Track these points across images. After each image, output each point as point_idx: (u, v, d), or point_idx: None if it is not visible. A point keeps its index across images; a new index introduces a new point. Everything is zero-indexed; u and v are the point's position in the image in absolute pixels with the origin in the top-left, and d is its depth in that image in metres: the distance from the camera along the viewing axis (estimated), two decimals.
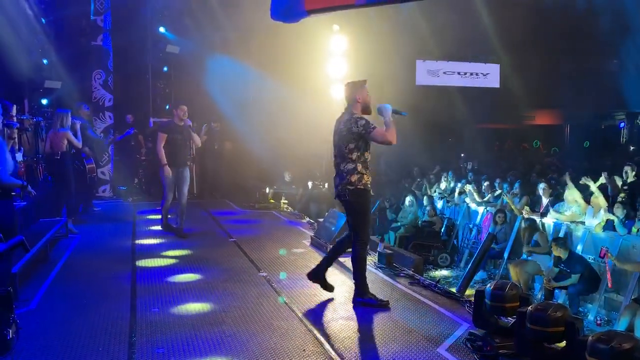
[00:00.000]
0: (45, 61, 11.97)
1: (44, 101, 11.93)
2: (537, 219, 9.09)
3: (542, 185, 9.92)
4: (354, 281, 5.42)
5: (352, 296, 5.72)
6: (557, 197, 9.64)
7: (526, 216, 9.23)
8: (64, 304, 5.32)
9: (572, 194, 8.83)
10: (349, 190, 5.16)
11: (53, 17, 12.13)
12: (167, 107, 14.61)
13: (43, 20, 11.61)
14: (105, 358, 4.15)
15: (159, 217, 8.83)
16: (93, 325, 4.77)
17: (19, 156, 8.30)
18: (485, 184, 11.48)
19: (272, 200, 11.86)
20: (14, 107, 8.83)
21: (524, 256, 8.71)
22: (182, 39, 13.78)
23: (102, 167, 12.29)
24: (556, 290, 7.79)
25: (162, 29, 13.76)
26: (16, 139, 8.39)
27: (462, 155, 17.94)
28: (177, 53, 13.59)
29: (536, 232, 8.67)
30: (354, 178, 5.14)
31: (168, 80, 14.63)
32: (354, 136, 5.09)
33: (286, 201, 11.58)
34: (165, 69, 14.48)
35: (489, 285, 4.46)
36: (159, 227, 8.85)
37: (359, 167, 5.15)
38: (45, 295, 5.56)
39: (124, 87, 13.03)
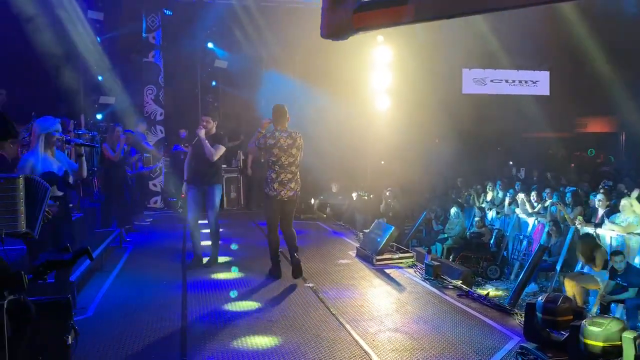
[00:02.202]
0: (100, 78, 12.48)
1: (99, 116, 12.41)
2: (591, 230, 8.79)
3: (599, 197, 9.57)
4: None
5: (398, 308, 5.72)
6: (613, 208, 9.28)
7: (579, 227, 8.94)
8: (119, 312, 5.50)
9: (628, 204, 8.49)
10: (299, 193, 6.61)
11: (107, 36, 12.65)
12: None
13: (98, 39, 12.13)
14: None
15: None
16: (146, 333, 4.93)
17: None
18: (535, 194, 11.19)
19: (318, 212, 11.91)
20: (72, 123, 9.24)
21: (578, 268, 8.43)
22: (229, 54, 14.09)
23: (154, 180, 12.68)
24: (612, 305, 7.49)
25: (210, 45, 14.12)
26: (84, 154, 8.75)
27: (511, 162, 17.54)
28: (225, 68, 13.91)
29: (597, 248, 8.24)
30: (300, 182, 6.61)
31: (216, 95, 14.97)
32: (301, 150, 6.47)
33: (330, 211, 11.63)
34: (213, 83, 14.84)
35: (540, 297, 4.36)
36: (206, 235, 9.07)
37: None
38: (100, 303, 5.77)
39: (174, 101, 13.43)
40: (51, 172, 4.84)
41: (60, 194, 5.02)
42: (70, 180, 5.15)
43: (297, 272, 6.56)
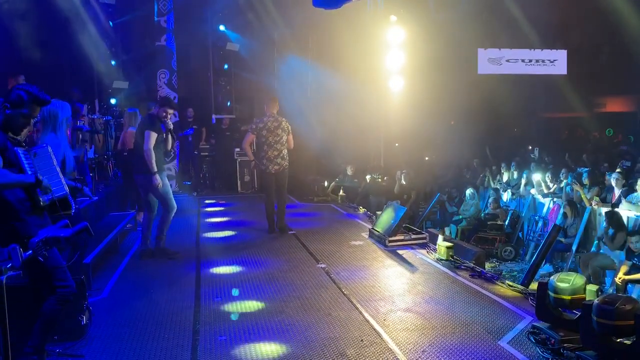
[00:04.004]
0: (113, 62, 12.51)
1: (113, 101, 12.47)
2: (608, 210, 8.66)
3: (614, 176, 9.42)
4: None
5: (410, 288, 5.71)
6: (630, 188, 9.15)
7: (596, 207, 8.82)
8: (133, 293, 5.58)
9: None
10: (287, 167, 7.96)
11: (119, 20, 12.66)
12: (229, 104, 14.94)
13: (110, 24, 12.13)
14: (171, 344, 4.33)
15: (215, 208, 8.91)
16: (160, 313, 4.99)
17: (90, 153, 8.72)
18: (551, 174, 11.05)
19: (332, 194, 11.89)
20: (85, 107, 9.30)
21: (594, 249, 8.34)
22: (242, 37, 14.03)
23: (168, 164, 12.74)
24: (629, 285, 7.41)
25: (222, 27, 14.06)
26: (87, 140, 8.80)
27: (530, 147, 17.31)
28: (236, 51, 13.86)
29: (621, 230, 8.11)
30: (287, 159, 7.93)
31: (229, 78, 14.94)
32: (287, 132, 7.84)
33: (343, 194, 11.60)
34: (225, 66, 14.80)
35: (552, 277, 4.32)
36: (219, 218, 9.17)
37: (287, 151, 7.94)
38: (115, 285, 5.84)
39: (187, 85, 13.44)
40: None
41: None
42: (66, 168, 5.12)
43: (281, 231, 8.12)
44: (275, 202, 8.11)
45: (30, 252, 2.57)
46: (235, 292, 5.62)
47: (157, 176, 6.42)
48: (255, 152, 8.21)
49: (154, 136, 6.39)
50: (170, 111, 6.63)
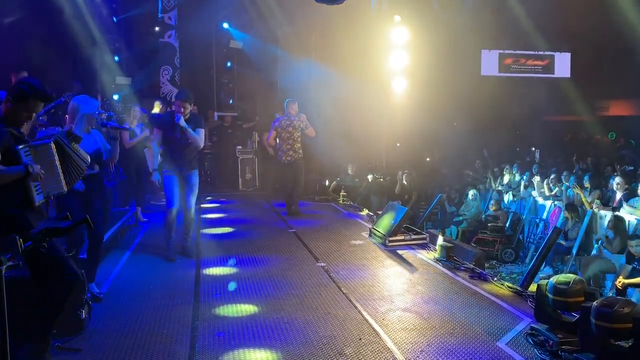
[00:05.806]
0: (116, 58, 12.51)
1: (115, 97, 12.45)
2: (609, 213, 8.66)
3: (617, 180, 9.43)
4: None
5: (409, 288, 5.72)
6: (632, 191, 9.15)
7: (596, 210, 8.82)
8: (132, 289, 5.57)
9: None
10: (299, 159, 9.30)
11: (123, 16, 12.65)
12: (231, 101, 14.94)
13: (114, 19, 12.13)
14: (169, 340, 4.33)
15: (216, 206, 8.96)
16: (159, 309, 5.00)
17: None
18: (553, 177, 11.05)
19: (333, 193, 11.89)
20: None
21: (595, 252, 8.33)
22: (245, 35, 14.03)
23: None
24: (629, 289, 7.40)
25: (225, 25, 14.05)
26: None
27: (532, 149, 17.31)
28: (240, 48, 13.85)
29: (621, 235, 8.16)
30: (301, 152, 9.32)
31: (232, 75, 14.93)
32: (299, 129, 9.20)
33: (345, 193, 11.60)
34: (228, 64, 14.80)
35: (552, 279, 4.32)
36: (220, 215, 9.26)
37: (300, 145, 9.29)
38: (115, 280, 5.84)
39: (189, 82, 13.42)
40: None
41: (90, 172, 4.96)
42: (103, 159, 5.10)
43: (291, 214, 9.41)
44: (289, 190, 9.48)
45: (29, 242, 2.58)
46: (233, 288, 5.63)
47: (156, 173, 6.65)
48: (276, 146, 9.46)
49: (156, 133, 6.55)
50: (186, 104, 6.32)
